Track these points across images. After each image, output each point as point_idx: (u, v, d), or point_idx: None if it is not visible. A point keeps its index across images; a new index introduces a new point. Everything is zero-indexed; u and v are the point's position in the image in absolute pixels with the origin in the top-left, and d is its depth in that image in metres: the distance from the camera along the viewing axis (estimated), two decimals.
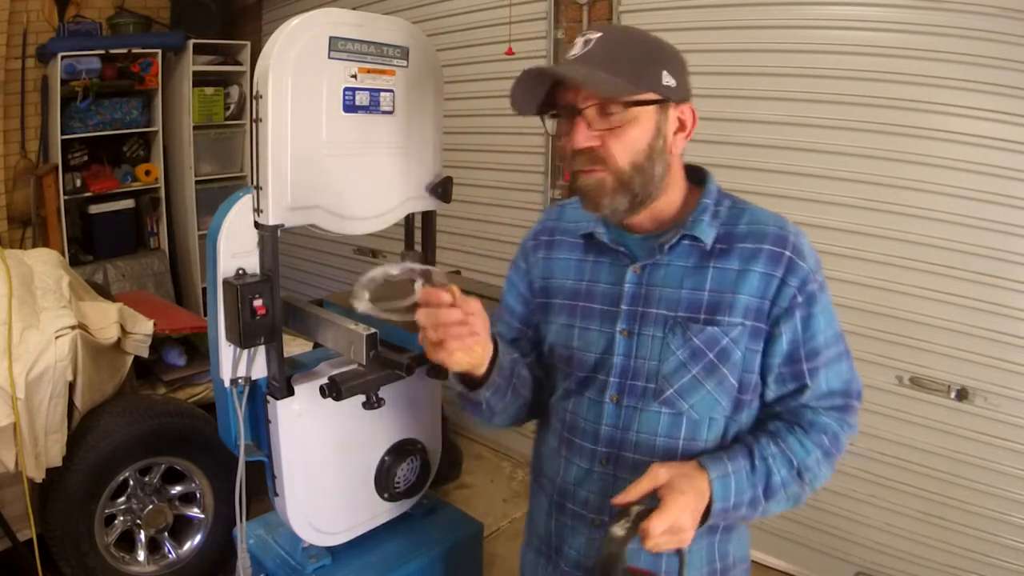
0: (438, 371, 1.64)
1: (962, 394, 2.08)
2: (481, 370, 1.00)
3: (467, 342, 0.93)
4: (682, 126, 1.01)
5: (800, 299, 0.99)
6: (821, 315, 1.00)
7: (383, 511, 1.66)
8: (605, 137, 0.96)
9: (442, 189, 1.63)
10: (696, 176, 1.09)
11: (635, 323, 1.03)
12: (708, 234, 1.01)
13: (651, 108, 0.96)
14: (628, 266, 1.05)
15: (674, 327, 1.00)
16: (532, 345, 1.19)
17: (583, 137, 0.96)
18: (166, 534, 2.35)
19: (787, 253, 0.99)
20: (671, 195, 1.04)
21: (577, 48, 0.96)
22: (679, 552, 0.93)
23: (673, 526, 0.88)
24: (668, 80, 0.97)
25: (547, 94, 1.01)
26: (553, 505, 1.14)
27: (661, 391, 1.01)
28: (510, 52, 2.86)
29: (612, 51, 0.95)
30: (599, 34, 0.96)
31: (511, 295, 1.21)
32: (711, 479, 0.94)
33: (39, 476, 2.00)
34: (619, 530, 0.87)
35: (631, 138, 0.96)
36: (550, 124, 1.04)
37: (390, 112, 1.49)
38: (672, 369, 1.00)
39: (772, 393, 1.04)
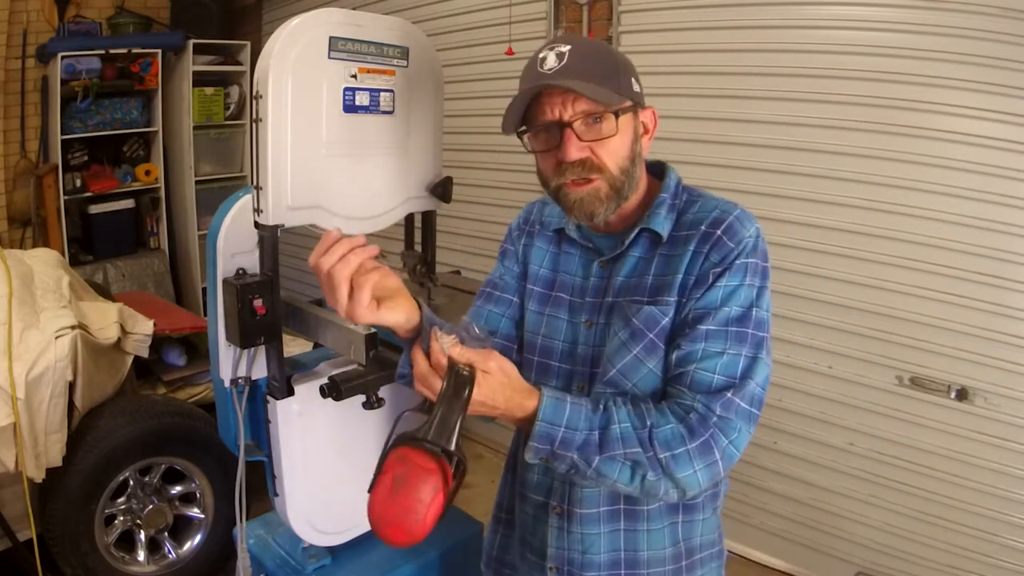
0: None
1: (962, 394, 2.08)
2: (412, 323, 0.96)
3: (373, 276, 0.89)
4: (646, 129, 1.06)
5: (716, 272, 0.96)
6: (729, 293, 0.96)
7: None
8: (594, 147, 0.99)
9: (442, 189, 1.63)
10: (656, 171, 1.13)
11: (598, 314, 1.06)
12: (664, 226, 1.04)
13: (629, 115, 1.01)
14: (595, 260, 1.09)
15: (621, 311, 1.03)
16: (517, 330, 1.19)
17: (576, 149, 0.98)
18: (166, 534, 2.35)
19: (718, 232, 0.98)
20: (637, 194, 1.08)
21: (552, 61, 0.97)
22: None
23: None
24: (636, 87, 1.03)
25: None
26: (522, 500, 1.16)
27: (605, 372, 1.03)
28: (510, 52, 2.86)
29: (588, 63, 0.97)
30: (568, 46, 0.98)
31: (508, 274, 1.21)
32: (543, 394, 0.92)
33: (39, 476, 2.00)
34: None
35: (617, 145, 1.00)
36: (528, 142, 1.05)
37: (390, 112, 1.49)
38: (614, 349, 1.02)
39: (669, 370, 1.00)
